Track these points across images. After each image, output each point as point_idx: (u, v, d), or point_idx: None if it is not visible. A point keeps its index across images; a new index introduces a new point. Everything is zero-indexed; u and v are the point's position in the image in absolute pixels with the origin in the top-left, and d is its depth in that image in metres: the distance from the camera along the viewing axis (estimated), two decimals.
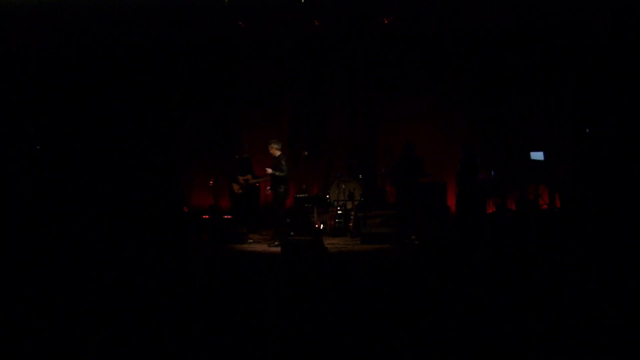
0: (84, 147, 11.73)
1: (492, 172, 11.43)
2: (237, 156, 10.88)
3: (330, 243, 9.90)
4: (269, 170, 10.12)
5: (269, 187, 10.35)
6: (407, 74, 12.53)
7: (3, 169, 10.98)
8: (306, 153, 12.13)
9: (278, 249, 9.38)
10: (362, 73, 12.78)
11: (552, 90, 11.92)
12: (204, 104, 12.91)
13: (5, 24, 10.71)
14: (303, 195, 11.33)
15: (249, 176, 10.44)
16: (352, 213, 10.93)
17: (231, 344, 5.02)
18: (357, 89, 12.86)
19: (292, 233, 10.82)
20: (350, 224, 10.83)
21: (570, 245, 8.53)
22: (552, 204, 11.04)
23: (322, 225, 10.95)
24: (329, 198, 11.31)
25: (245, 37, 12.32)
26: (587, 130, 11.49)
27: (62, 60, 11.75)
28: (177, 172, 12.86)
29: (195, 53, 12.57)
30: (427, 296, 6.36)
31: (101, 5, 10.38)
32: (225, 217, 11.17)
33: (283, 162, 10.02)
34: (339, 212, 11.00)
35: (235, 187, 10.63)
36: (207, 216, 11.67)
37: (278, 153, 10.15)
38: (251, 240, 10.32)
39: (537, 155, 11.38)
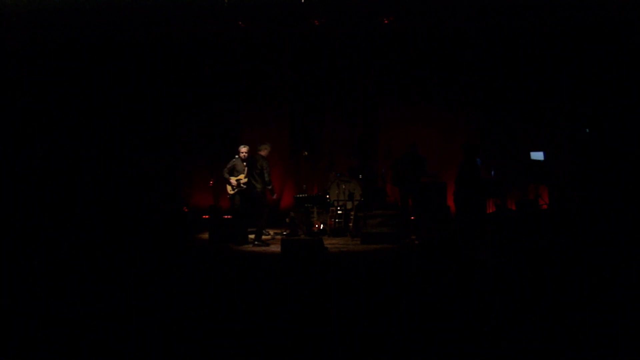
0: (83, 147, 11.73)
1: (492, 172, 11.43)
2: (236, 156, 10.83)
3: (330, 243, 9.90)
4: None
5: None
6: (406, 74, 12.54)
7: (6, 168, 10.97)
8: (306, 153, 12.12)
9: (276, 249, 9.39)
10: (362, 73, 12.79)
11: (552, 90, 11.92)
12: (204, 104, 12.91)
13: (5, 22, 10.71)
14: (303, 195, 11.32)
15: (241, 176, 10.42)
16: (352, 213, 10.93)
17: (231, 344, 5.02)
18: (357, 89, 12.86)
19: (284, 233, 10.82)
20: (350, 224, 10.82)
21: (569, 245, 8.54)
22: (552, 204, 11.04)
23: (322, 225, 10.94)
24: (329, 198, 11.31)
25: (245, 37, 12.32)
26: (587, 130, 11.49)
27: (62, 60, 11.75)
28: (177, 172, 12.86)
29: (195, 53, 12.57)
30: (427, 296, 6.35)
31: (102, 5, 10.38)
32: (225, 217, 11.16)
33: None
34: (339, 212, 10.99)
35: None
36: (207, 216, 11.67)
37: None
38: (257, 242, 10.12)
39: (537, 155, 11.39)
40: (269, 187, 10.05)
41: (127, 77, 12.14)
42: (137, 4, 10.43)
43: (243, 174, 10.41)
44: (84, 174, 11.47)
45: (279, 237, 10.57)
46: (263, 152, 10.08)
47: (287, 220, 11.09)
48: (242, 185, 10.42)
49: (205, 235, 10.70)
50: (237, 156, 10.57)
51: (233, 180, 10.47)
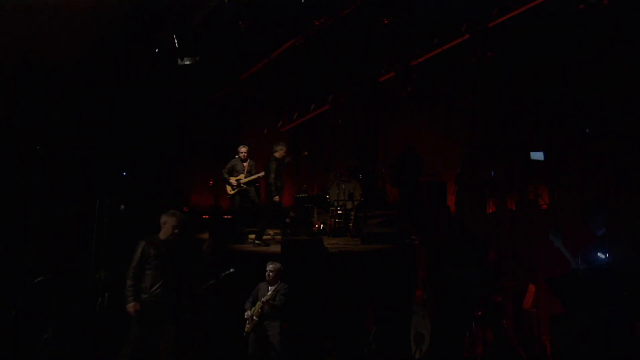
0: (82, 146, 11.72)
1: (492, 172, 11.44)
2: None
3: (330, 243, 9.88)
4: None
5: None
6: (406, 73, 12.54)
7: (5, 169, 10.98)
8: (306, 153, 12.14)
9: (276, 249, 9.38)
10: (362, 73, 12.80)
11: (552, 90, 11.92)
12: (204, 104, 12.92)
13: (3, 21, 10.71)
14: (303, 195, 11.31)
15: (241, 176, 10.42)
16: (352, 213, 10.93)
17: (230, 344, 5.03)
18: (357, 88, 12.87)
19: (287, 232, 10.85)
20: (350, 224, 10.82)
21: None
22: (552, 204, 11.05)
23: (322, 225, 10.94)
24: (329, 198, 11.31)
25: (245, 37, 12.33)
26: (587, 130, 11.49)
27: (61, 59, 11.74)
28: (177, 172, 12.86)
29: (194, 53, 12.56)
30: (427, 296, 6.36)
31: (101, 5, 10.38)
32: (225, 217, 11.16)
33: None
34: (339, 212, 10.99)
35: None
36: (207, 216, 11.67)
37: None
38: (258, 242, 10.01)
39: (537, 155, 11.39)
40: (272, 189, 9.82)
41: (125, 77, 12.14)
42: (136, 4, 10.43)
43: (243, 174, 10.41)
44: (81, 172, 11.46)
45: (279, 237, 10.56)
46: (277, 154, 9.71)
47: (287, 220, 11.09)
48: (242, 185, 10.42)
49: (205, 235, 10.70)
50: (236, 156, 10.57)
51: (233, 180, 10.47)
